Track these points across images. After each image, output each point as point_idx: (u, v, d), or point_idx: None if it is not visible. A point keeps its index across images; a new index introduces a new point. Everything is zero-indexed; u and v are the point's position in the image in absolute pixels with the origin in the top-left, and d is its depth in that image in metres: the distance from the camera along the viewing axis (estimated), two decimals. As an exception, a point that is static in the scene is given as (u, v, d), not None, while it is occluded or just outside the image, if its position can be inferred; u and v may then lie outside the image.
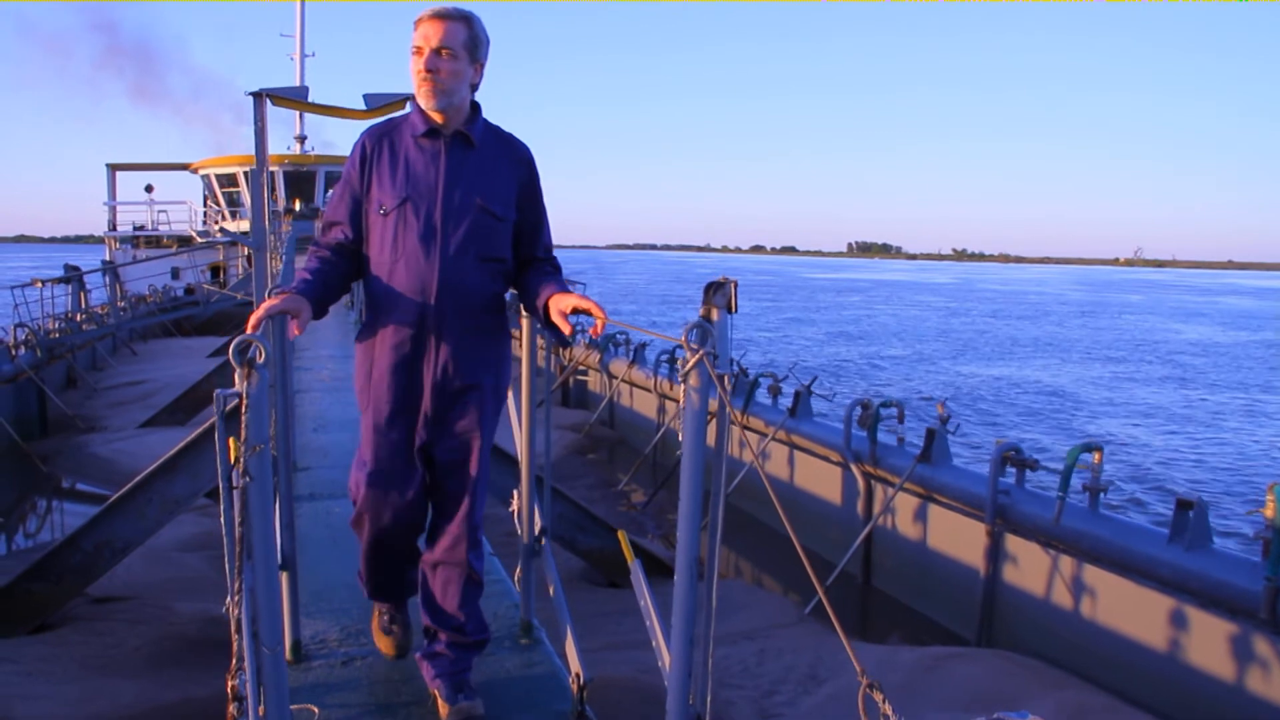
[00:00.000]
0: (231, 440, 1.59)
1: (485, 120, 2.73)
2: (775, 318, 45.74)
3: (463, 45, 2.54)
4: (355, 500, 2.74)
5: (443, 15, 2.53)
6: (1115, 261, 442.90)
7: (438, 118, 2.60)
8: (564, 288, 2.60)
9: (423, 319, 2.60)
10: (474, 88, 2.66)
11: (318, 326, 7.61)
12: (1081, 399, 21.85)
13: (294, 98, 5.04)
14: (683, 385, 1.75)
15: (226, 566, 1.49)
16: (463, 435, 2.67)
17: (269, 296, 2.30)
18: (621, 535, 2.64)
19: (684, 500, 1.78)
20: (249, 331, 1.84)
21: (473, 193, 2.62)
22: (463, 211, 2.60)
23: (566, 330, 2.51)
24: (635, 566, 2.26)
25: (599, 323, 2.35)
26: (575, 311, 2.47)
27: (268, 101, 4.92)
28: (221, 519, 1.50)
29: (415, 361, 2.63)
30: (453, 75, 2.54)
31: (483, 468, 2.71)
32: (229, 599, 1.50)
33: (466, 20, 2.56)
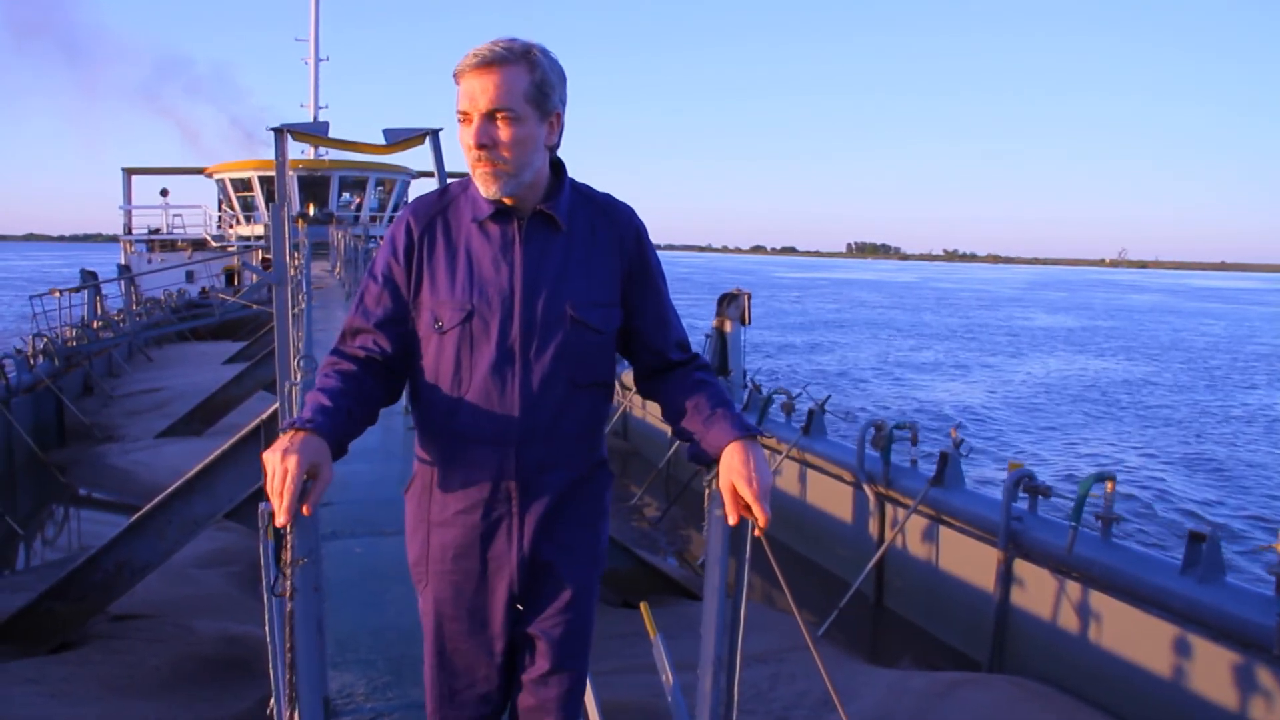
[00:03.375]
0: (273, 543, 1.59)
1: (573, 182, 2.02)
2: (692, 307, 52.25)
3: (525, 98, 1.84)
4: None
5: (491, 61, 1.81)
6: (1101, 262, 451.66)
7: (507, 200, 1.93)
8: (740, 424, 1.92)
9: (501, 475, 1.94)
10: (552, 149, 1.95)
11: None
12: (847, 354, 31.96)
13: (314, 133, 5.11)
14: (706, 524, 1.77)
15: (273, 680, 1.54)
16: (562, 615, 2.03)
17: (282, 434, 1.75)
18: (644, 608, 2.64)
19: (706, 636, 1.78)
20: (278, 497, 1.65)
21: (561, 296, 1.93)
22: (550, 325, 1.92)
23: (733, 521, 1.85)
24: (658, 641, 2.30)
25: (759, 527, 1.83)
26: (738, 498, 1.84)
27: (288, 136, 4.98)
28: (266, 630, 1.55)
29: (492, 532, 1.98)
30: (518, 146, 1.85)
31: (586, 649, 2.11)
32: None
33: (527, 60, 1.84)
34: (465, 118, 1.85)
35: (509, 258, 1.92)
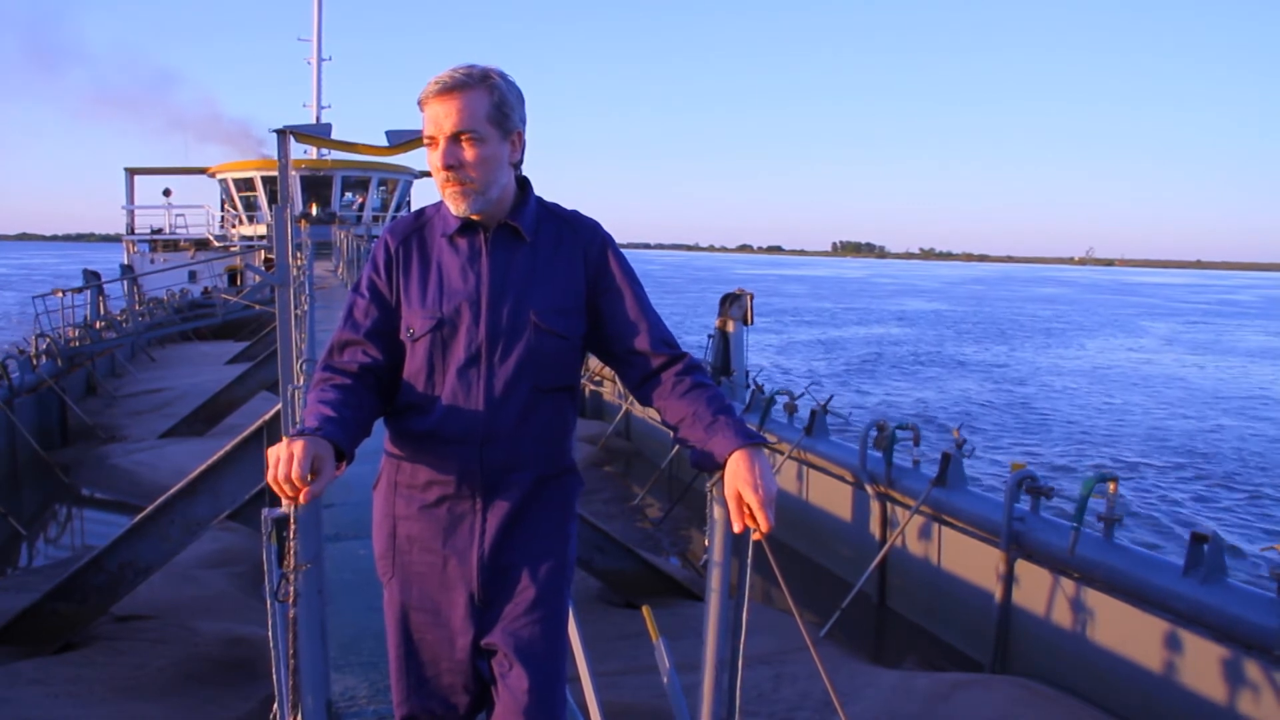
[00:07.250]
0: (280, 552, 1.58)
1: (539, 199, 2.12)
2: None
3: (488, 120, 1.94)
4: None
5: (453, 87, 1.92)
6: (1070, 260, 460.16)
7: (475, 217, 2.03)
8: (743, 431, 1.92)
9: (466, 473, 2.00)
10: (516, 165, 2.05)
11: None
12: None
13: (317, 134, 5.11)
14: (708, 527, 1.77)
15: (276, 685, 1.54)
16: (528, 620, 2.04)
17: (287, 438, 1.77)
18: (646, 611, 2.62)
19: (708, 638, 1.78)
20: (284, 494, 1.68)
21: (525, 304, 2.01)
22: (514, 330, 2.00)
23: (737, 529, 1.87)
24: (660, 644, 2.30)
25: (759, 532, 1.84)
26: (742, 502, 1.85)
27: (291, 138, 4.98)
28: (270, 634, 1.55)
29: (455, 526, 2.03)
30: (483, 165, 1.95)
31: (558, 652, 2.09)
32: None
33: (485, 84, 1.95)
34: (432, 142, 1.96)
35: (476, 267, 2.02)
